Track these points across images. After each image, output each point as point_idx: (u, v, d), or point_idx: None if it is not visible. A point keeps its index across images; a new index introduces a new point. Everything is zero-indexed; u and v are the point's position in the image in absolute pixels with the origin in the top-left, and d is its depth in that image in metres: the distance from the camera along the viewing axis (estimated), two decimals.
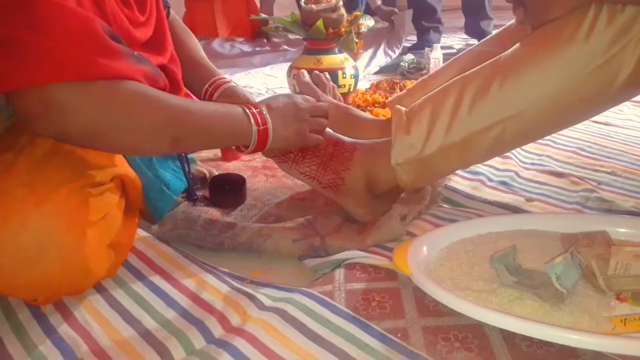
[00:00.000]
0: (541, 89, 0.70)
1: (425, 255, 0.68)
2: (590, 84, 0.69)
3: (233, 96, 0.85)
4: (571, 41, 0.68)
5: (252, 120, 0.71)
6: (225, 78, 0.88)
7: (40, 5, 0.54)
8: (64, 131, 0.57)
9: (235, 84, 0.88)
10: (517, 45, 0.74)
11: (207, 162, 1.15)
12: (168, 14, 0.89)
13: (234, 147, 0.75)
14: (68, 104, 0.55)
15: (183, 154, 0.90)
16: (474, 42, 2.40)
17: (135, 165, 0.77)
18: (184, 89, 1.05)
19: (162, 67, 0.77)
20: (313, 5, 1.45)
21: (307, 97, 0.82)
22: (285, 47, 2.47)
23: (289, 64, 1.56)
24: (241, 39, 2.60)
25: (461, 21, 2.57)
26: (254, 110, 0.72)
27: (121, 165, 0.72)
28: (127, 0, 0.68)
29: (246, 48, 2.47)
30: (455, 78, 0.79)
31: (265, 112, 0.73)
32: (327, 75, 1.07)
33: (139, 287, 0.69)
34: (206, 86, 0.86)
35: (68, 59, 0.55)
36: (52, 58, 0.54)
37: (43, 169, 0.60)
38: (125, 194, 0.74)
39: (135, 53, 0.63)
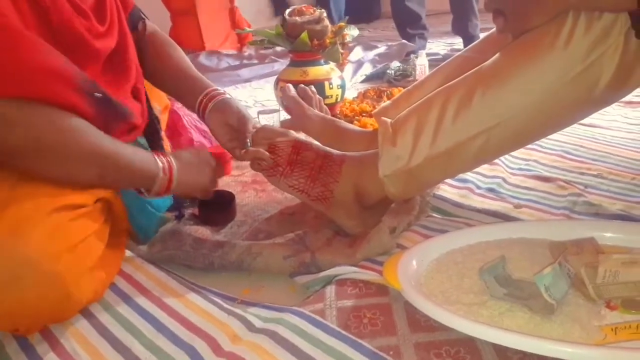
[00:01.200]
0: (523, 97, 0.70)
1: (415, 268, 0.67)
2: (572, 91, 0.69)
3: (227, 109, 0.84)
4: (551, 49, 0.68)
5: (160, 166, 0.73)
6: (219, 89, 0.88)
7: None
8: (1, 144, 0.58)
9: (229, 96, 0.88)
10: (498, 54, 0.74)
11: None
12: (144, 27, 0.88)
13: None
14: (8, 118, 0.56)
15: None
16: (460, 47, 2.42)
17: None
18: (168, 104, 1.04)
19: (132, 89, 0.77)
20: (297, 18, 1.45)
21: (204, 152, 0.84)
22: (273, 57, 2.47)
23: (276, 76, 1.55)
24: (228, 52, 2.59)
25: (446, 26, 2.58)
26: (164, 159, 0.74)
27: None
28: (83, 10, 0.67)
29: (233, 61, 2.46)
30: (439, 89, 0.79)
31: (172, 160, 0.75)
32: (313, 89, 1.06)
33: (127, 312, 0.67)
34: (200, 97, 0.86)
35: (14, 75, 0.55)
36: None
37: (17, 192, 0.59)
38: (111, 215, 0.73)
39: (96, 94, 0.63)
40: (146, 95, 0.85)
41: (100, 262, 0.68)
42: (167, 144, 0.95)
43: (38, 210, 0.59)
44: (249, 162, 0.86)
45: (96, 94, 0.65)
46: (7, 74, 0.56)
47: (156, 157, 0.73)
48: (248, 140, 0.85)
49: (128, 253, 0.80)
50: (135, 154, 0.70)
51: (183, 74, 0.89)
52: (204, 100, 0.86)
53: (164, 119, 1.02)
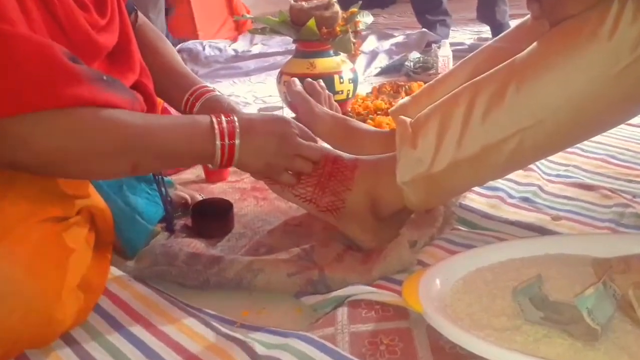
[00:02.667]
0: (563, 94, 0.70)
1: (439, 288, 0.68)
2: (618, 86, 0.69)
3: (216, 107, 0.85)
4: (594, 39, 0.68)
5: (218, 133, 0.71)
6: (208, 86, 0.89)
7: None
8: (20, 161, 0.60)
9: (219, 93, 0.89)
10: (534, 44, 0.75)
11: (188, 185, 1.15)
12: (136, 18, 0.89)
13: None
14: (22, 135, 0.58)
15: (158, 176, 0.90)
16: (487, 36, 2.42)
17: (102, 192, 0.77)
18: (160, 101, 1.05)
19: (136, 84, 0.77)
20: (303, 3, 1.46)
21: (305, 130, 0.83)
22: (275, 49, 2.49)
23: (279, 69, 1.56)
24: (224, 42, 2.61)
25: (471, 11, 2.58)
26: (224, 119, 0.72)
27: (89, 195, 0.73)
28: (83, 3, 0.69)
29: (230, 52, 2.48)
30: (465, 83, 0.80)
31: (237, 124, 0.73)
32: (322, 83, 1.07)
33: (114, 338, 0.68)
34: (187, 96, 0.87)
35: (23, 91, 0.57)
36: (7, 92, 0.57)
37: None
38: (95, 228, 0.74)
39: (105, 77, 0.64)
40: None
41: (85, 281, 0.68)
42: None
43: (21, 222, 0.60)
44: None
45: (105, 77, 0.66)
46: (14, 91, 0.58)
47: (214, 120, 0.71)
48: None
49: (114, 270, 0.80)
50: (176, 128, 0.70)
51: (170, 70, 0.90)
52: (191, 98, 0.87)
53: None
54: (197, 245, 0.88)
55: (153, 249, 0.84)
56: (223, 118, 0.73)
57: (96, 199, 0.74)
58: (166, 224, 0.93)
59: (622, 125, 1.27)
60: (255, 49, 2.54)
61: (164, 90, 0.91)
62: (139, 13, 0.91)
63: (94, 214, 0.74)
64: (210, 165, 0.74)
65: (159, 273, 0.81)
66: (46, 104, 0.59)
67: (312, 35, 1.45)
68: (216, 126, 0.72)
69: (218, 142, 0.72)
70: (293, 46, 1.55)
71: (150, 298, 0.75)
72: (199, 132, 0.71)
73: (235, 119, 0.74)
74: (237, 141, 0.73)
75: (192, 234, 0.92)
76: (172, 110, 1.20)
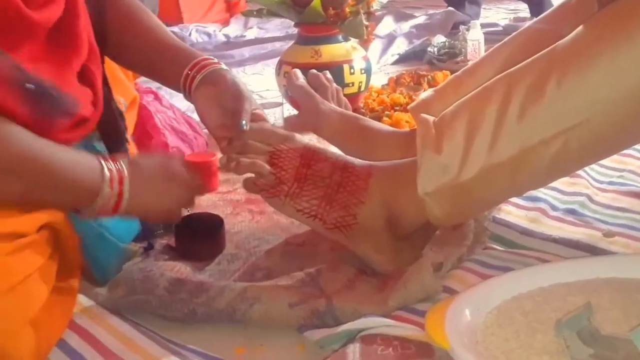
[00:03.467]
0: (613, 88, 0.70)
1: (469, 320, 0.67)
2: None
3: (220, 82, 0.85)
4: None
5: (107, 176, 0.73)
6: (212, 59, 0.89)
7: None
8: None
9: (225, 67, 0.88)
10: (580, 28, 0.75)
11: None
12: None
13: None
14: None
15: None
16: (526, 15, 2.42)
17: None
18: (136, 97, 1.06)
19: (83, 70, 0.78)
20: None
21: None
22: (273, 33, 2.50)
23: (279, 57, 1.57)
24: (214, 26, 2.63)
25: None
26: (112, 167, 0.74)
27: (50, 210, 0.73)
28: None
29: (221, 37, 2.49)
30: (499, 75, 0.80)
31: (124, 168, 0.75)
32: (329, 75, 1.08)
33: None
34: (186, 71, 0.87)
35: None
36: None
37: None
38: (59, 248, 0.74)
39: (23, 72, 0.65)
40: (105, 80, 0.86)
41: (45, 311, 0.69)
42: (133, 149, 0.96)
43: None
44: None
45: (27, 86, 0.67)
46: None
47: (103, 163, 0.74)
48: (243, 121, 0.83)
49: (82, 299, 0.80)
50: (76, 161, 0.72)
51: (160, 43, 0.90)
52: (191, 73, 0.87)
53: (131, 117, 1.03)
54: (181, 269, 0.88)
55: (129, 275, 0.85)
56: (112, 164, 0.75)
57: (59, 214, 0.74)
58: (144, 244, 0.93)
59: None
60: (250, 34, 2.55)
61: (155, 69, 0.91)
62: None
63: (58, 231, 0.74)
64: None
65: (137, 303, 0.81)
66: None
67: (317, 18, 1.46)
68: (105, 167, 0.74)
69: (107, 188, 0.73)
70: (295, 30, 1.56)
71: (125, 332, 0.74)
72: (89, 166, 0.73)
73: (123, 165, 0.76)
74: (125, 187, 0.75)
75: (176, 255, 0.93)
76: (152, 109, 1.21)
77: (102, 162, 0.74)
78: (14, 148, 0.66)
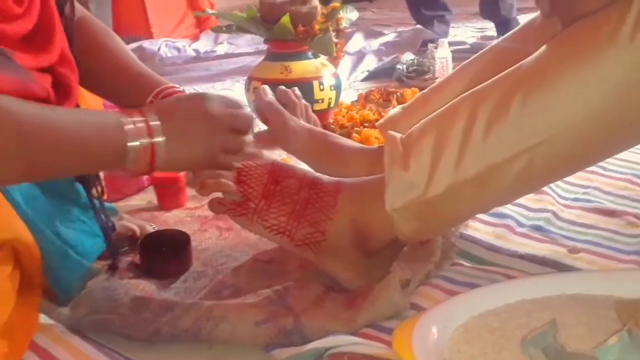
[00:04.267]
0: (577, 107, 0.71)
1: (437, 337, 0.67)
2: None
3: None
4: (613, 41, 0.69)
5: (131, 133, 0.69)
6: (176, 87, 0.88)
7: None
8: None
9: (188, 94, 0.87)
10: (543, 47, 0.76)
11: (137, 213, 1.14)
12: (72, 10, 0.89)
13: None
14: None
15: (96, 200, 0.89)
16: (493, 34, 2.46)
17: (26, 221, 0.76)
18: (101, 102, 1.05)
19: (49, 70, 0.77)
20: None
21: (229, 99, 0.81)
22: (244, 49, 2.50)
23: (248, 74, 1.57)
24: (183, 41, 2.62)
25: (474, 6, 2.63)
26: (137, 119, 0.70)
27: (12, 226, 0.71)
28: None
29: (190, 52, 2.49)
30: (466, 92, 0.80)
31: (153, 122, 0.71)
32: (297, 91, 1.08)
33: None
34: (150, 98, 0.87)
35: None
36: None
37: None
38: (19, 266, 0.73)
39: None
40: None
41: (6, 331, 0.67)
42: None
43: None
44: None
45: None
46: None
47: (122, 119, 0.69)
48: None
49: (43, 318, 0.79)
50: (83, 121, 0.68)
51: (125, 70, 0.90)
52: (155, 100, 0.86)
53: None
54: (146, 287, 0.86)
55: (92, 293, 0.83)
56: (136, 116, 0.71)
57: (21, 231, 0.73)
58: (108, 261, 0.91)
59: None
60: (221, 49, 2.55)
61: (119, 93, 0.91)
62: (76, 3, 0.91)
63: (18, 250, 0.73)
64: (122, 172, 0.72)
65: (99, 323, 0.80)
66: None
67: (286, 34, 1.46)
68: (127, 122, 0.70)
69: (131, 143, 0.69)
70: (265, 46, 1.56)
71: (88, 353, 0.73)
72: (110, 128, 0.69)
73: (150, 114, 0.72)
74: (158, 139, 0.70)
75: (141, 273, 0.92)
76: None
77: (121, 118, 0.70)
78: (21, 122, 0.63)
